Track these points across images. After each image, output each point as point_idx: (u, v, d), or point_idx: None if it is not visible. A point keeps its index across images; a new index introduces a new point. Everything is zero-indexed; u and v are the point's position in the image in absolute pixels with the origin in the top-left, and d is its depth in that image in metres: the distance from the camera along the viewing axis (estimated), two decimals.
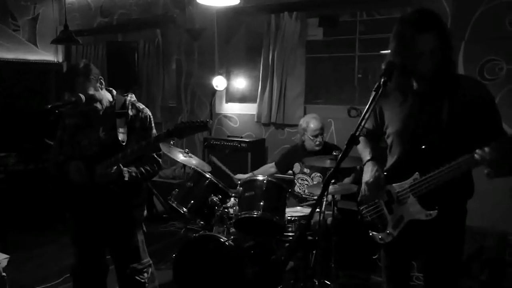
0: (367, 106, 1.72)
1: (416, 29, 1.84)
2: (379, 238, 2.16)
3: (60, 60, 6.69)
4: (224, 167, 3.75)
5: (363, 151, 2.28)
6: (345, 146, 1.63)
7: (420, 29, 1.83)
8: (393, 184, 2.11)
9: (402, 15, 1.99)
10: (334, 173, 1.55)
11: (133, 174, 2.43)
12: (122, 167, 2.36)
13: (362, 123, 1.73)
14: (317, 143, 3.64)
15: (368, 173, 2.16)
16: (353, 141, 1.61)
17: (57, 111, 2.24)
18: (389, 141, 2.19)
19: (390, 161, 2.18)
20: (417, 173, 2.00)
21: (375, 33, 4.60)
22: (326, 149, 3.60)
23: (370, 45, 4.65)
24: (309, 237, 1.89)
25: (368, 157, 2.22)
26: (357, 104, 4.57)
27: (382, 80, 1.76)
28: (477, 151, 1.79)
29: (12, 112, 5.64)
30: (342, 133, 4.49)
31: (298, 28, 4.68)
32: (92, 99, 2.37)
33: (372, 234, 2.20)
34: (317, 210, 3.18)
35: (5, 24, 6.10)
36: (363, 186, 2.18)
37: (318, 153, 3.55)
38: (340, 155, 1.60)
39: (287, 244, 2.92)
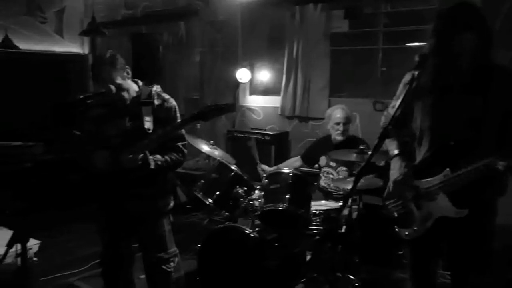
0: (400, 99, 1.69)
1: (455, 28, 1.79)
2: (406, 234, 2.14)
3: (86, 52, 6.78)
4: (256, 154, 3.75)
5: (390, 144, 2.24)
6: (377, 140, 1.60)
7: (459, 28, 1.78)
8: (422, 180, 2.07)
9: (441, 10, 1.93)
10: (366, 167, 1.54)
11: (159, 162, 2.44)
12: (148, 154, 2.38)
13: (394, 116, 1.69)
14: (338, 131, 3.61)
15: (396, 170, 2.13)
16: (385, 134, 1.58)
17: (88, 102, 2.27)
18: (418, 134, 2.16)
19: (419, 155, 2.15)
20: (448, 169, 1.97)
21: (399, 25, 4.52)
22: (351, 142, 3.57)
23: (394, 37, 4.57)
24: (339, 231, 1.89)
25: (396, 151, 2.19)
26: (380, 97, 4.52)
27: (416, 73, 1.73)
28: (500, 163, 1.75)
29: (39, 103, 5.74)
30: (367, 126, 4.44)
31: (322, 20, 4.64)
32: (119, 88, 2.39)
33: (398, 229, 2.17)
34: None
35: (33, 17, 6.20)
36: (390, 183, 2.15)
37: (345, 147, 3.52)
38: (372, 149, 1.58)
39: (317, 237, 2.91)
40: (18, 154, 4.87)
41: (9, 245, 1.82)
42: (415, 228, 2.08)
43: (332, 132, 3.67)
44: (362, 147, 3.00)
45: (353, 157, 3.11)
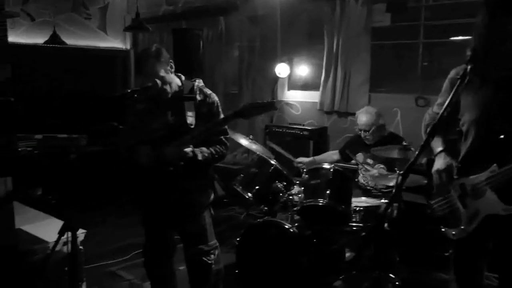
0: (450, 95, 1.64)
1: (507, 17, 1.72)
2: (453, 234, 2.08)
3: (128, 47, 6.93)
4: (283, 151, 3.74)
5: (434, 141, 2.19)
6: (426, 136, 1.57)
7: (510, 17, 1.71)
8: (469, 177, 2.01)
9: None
10: (414, 163, 1.50)
11: (205, 154, 2.47)
12: (193, 147, 2.40)
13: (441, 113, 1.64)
14: (367, 137, 3.57)
15: (440, 162, 2.09)
16: (435, 131, 1.54)
17: (135, 95, 2.32)
18: (464, 129, 2.10)
19: (464, 150, 2.09)
20: (495, 164, 1.90)
21: (441, 19, 4.39)
22: (390, 140, 3.50)
23: (436, 31, 4.45)
24: (386, 228, 1.86)
25: (440, 148, 2.14)
26: (421, 93, 4.41)
27: (469, 67, 1.67)
28: None
29: (84, 97, 5.93)
30: (409, 123, 4.35)
31: (363, 14, 4.56)
32: (163, 81, 2.42)
33: (445, 229, 2.12)
34: (386, 201, 3.14)
35: (78, 13, 6.40)
36: (435, 174, 2.10)
37: (383, 145, 3.46)
38: (421, 145, 1.54)
39: (363, 234, 2.87)
40: (63, 146, 5.04)
41: (61, 232, 1.89)
42: (462, 227, 2.02)
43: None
44: (405, 144, 2.92)
45: (394, 153, 3.04)
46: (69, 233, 1.92)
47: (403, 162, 2.95)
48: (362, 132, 3.58)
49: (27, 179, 4.76)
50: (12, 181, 2.61)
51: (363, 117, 3.56)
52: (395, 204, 3.03)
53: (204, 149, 2.47)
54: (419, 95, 4.34)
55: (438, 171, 2.08)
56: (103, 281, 3.46)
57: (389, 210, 2.96)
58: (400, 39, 4.74)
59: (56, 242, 1.91)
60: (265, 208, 3.30)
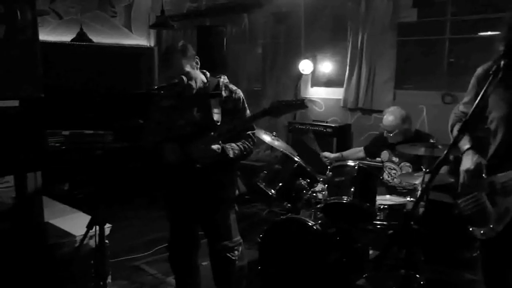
0: (483, 90, 1.59)
1: None
2: (481, 233, 2.03)
3: (152, 44, 7.01)
4: (315, 145, 3.72)
5: (462, 139, 2.14)
6: (456, 133, 1.53)
7: None
8: (498, 174, 1.96)
9: None
10: (444, 160, 1.47)
11: (236, 151, 2.47)
12: (224, 145, 2.40)
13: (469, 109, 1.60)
14: (390, 138, 3.53)
15: (468, 161, 2.04)
16: (466, 128, 1.51)
17: (161, 92, 2.33)
18: (492, 126, 2.04)
19: (494, 148, 2.04)
20: None
21: (469, 14, 4.29)
22: (419, 138, 3.44)
23: (462, 27, 4.35)
24: (414, 226, 1.84)
25: (468, 146, 2.09)
26: (447, 89, 4.32)
27: (502, 62, 1.62)
28: None
29: (109, 93, 6.02)
30: (435, 120, 4.27)
31: (390, 10, 4.50)
32: (188, 76, 2.43)
33: (473, 229, 2.07)
34: (411, 199, 3.10)
35: (104, 11, 6.49)
36: (462, 174, 2.06)
37: (410, 141, 3.41)
38: (451, 142, 1.51)
39: (390, 232, 2.84)
40: (90, 141, 5.13)
41: (89, 226, 1.92)
42: (491, 226, 1.97)
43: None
44: (432, 141, 2.87)
45: (420, 151, 2.99)
46: (97, 227, 1.95)
47: (429, 160, 2.90)
48: (385, 131, 3.54)
49: (54, 174, 4.87)
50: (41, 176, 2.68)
51: (389, 117, 3.51)
52: (422, 203, 2.98)
53: (234, 145, 2.47)
54: (445, 92, 4.26)
55: (466, 170, 2.03)
56: (127, 275, 3.50)
57: (417, 209, 2.92)
58: (427, 35, 4.65)
59: (84, 235, 1.95)
60: (288, 205, 3.29)
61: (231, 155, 2.43)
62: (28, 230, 2.64)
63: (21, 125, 2.40)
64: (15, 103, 2.35)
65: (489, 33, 4.17)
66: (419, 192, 2.81)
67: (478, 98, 1.56)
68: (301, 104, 2.25)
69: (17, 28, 2.28)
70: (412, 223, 1.74)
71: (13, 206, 2.64)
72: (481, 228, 2.02)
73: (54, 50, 5.62)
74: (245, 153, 2.52)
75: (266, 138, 3.63)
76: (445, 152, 1.50)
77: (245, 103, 2.60)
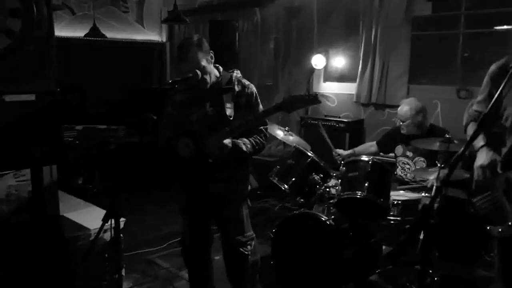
0: (499, 90, 1.56)
1: None
2: (499, 232, 1.99)
3: (164, 40, 7.02)
4: (328, 139, 3.70)
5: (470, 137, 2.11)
6: (476, 128, 1.51)
7: None
8: None
9: None
10: (463, 155, 1.45)
11: (248, 145, 2.47)
12: (237, 140, 2.41)
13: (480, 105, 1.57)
14: (402, 127, 3.49)
15: (482, 158, 2.01)
16: (485, 123, 1.48)
17: (176, 86, 2.33)
18: (508, 123, 2.01)
19: (509, 144, 2.01)
20: None
21: (483, 8, 4.23)
22: (434, 132, 3.41)
23: (476, 21, 4.29)
24: (432, 221, 1.82)
25: (482, 143, 2.06)
26: (461, 84, 4.27)
27: None
28: None
29: (122, 88, 6.05)
30: (449, 115, 4.23)
31: (404, 4, 4.45)
32: (203, 71, 2.43)
33: (490, 228, 2.03)
34: (426, 195, 3.07)
35: (116, 7, 6.52)
36: (477, 170, 2.03)
37: (425, 135, 3.37)
38: (469, 138, 1.49)
39: (407, 226, 2.81)
40: (103, 136, 5.17)
41: (105, 219, 1.93)
42: (510, 223, 1.94)
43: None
44: (448, 136, 2.84)
45: (435, 146, 2.96)
46: (112, 221, 1.97)
47: (444, 155, 2.87)
48: (398, 121, 3.51)
49: (68, 168, 4.91)
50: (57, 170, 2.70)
51: (403, 107, 3.48)
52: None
53: (246, 140, 2.47)
54: (460, 87, 4.21)
55: (481, 166, 2.00)
56: (141, 269, 3.53)
57: (435, 203, 2.89)
58: (442, 29, 4.60)
59: (100, 228, 1.96)
60: (301, 200, 3.28)
61: (245, 149, 2.43)
62: (46, 223, 2.66)
63: (37, 119, 2.42)
64: (31, 97, 2.37)
65: (504, 27, 4.10)
66: (434, 188, 2.77)
67: (494, 98, 1.54)
68: (314, 99, 2.23)
69: (33, 24, 2.30)
70: (430, 218, 1.73)
71: (30, 200, 2.66)
72: (499, 226, 1.99)
73: (67, 46, 5.65)
74: (257, 148, 2.52)
75: (279, 133, 3.62)
76: (462, 148, 1.48)
77: (258, 98, 2.60)
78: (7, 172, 2.58)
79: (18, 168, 2.58)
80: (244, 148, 2.43)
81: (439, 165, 2.92)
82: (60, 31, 5.88)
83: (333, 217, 2.96)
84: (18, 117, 2.35)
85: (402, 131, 3.52)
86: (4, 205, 2.64)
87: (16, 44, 2.29)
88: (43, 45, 2.37)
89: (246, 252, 2.63)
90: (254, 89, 2.59)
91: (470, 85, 4.18)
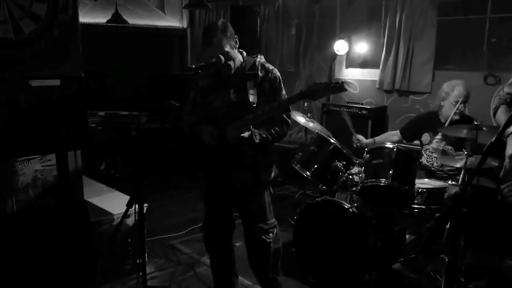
0: None
1: None
2: None
3: (185, 26, 7.00)
4: (350, 123, 3.65)
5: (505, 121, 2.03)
6: (502, 116, 1.45)
7: None
8: None
9: None
10: (496, 142, 1.40)
11: (264, 135, 2.44)
12: (253, 129, 2.39)
13: None
14: (457, 111, 3.36)
15: None
16: None
17: (199, 71, 2.31)
18: None
19: None
20: None
21: None
22: (464, 121, 3.31)
23: (505, 6, 4.15)
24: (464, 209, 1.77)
25: None
26: (489, 70, 4.14)
27: None
28: None
29: (144, 75, 6.07)
30: (476, 102, 4.10)
31: None
32: (227, 56, 2.40)
33: None
34: (452, 183, 3.00)
35: None
36: (507, 160, 1.96)
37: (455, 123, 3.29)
38: (505, 123, 1.43)
39: (437, 214, 2.75)
40: (125, 122, 5.21)
41: (129, 205, 1.94)
42: None
43: (448, 111, 3.40)
44: (477, 123, 2.75)
45: (463, 133, 2.88)
46: (136, 206, 1.97)
47: (472, 143, 2.79)
48: (461, 105, 3.35)
49: (91, 154, 4.97)
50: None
51: (461, 89, 3.35)
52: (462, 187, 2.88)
53: (263, 130, 2.44)
54: (488, 73, 4.09)
55: (511, 157, 1.93)
56: (163, 254, 3.56)
57: (447, 193, 2.83)
58: (469, 14, 4.46)
59: (125, 213, 1.97)
60: (323, 187, 3.25)
61: (257, 141, 2.39)
62: (71, 207, 2.70)
63: (63, 104, 2.43)
64: (57, 82, 2.38)
65: None
66: (461, 175, 2.70)
67: None
68: (340, 86, 2.17)
69: (58, 8, 2.30)
70: (461, 206, 1.68)
71: (55, 184, 2.70)
72: None
73: (90, 32, 5.68)
74: (276, 136, 2.49)
75: (301, 119, 3.58)
76: (497, 132, 1.42)
77: (281, 83, 2.55)
78: (33, 157, 2.62)
79: (45, 153, 2.62)
80: (257, 139, 2.39)
81: (465, 152, 2.85)
82: (83, 17, 5.89)
83: (356, 204, 2.92)
84: (43, 102, 2.37)
85: (456, 117, 3.37)
86: (30, 189, 2.69)
87: (41, 29, 2.29)
88: (68, 29, 2.38)
89: (268, 240, 2.61)
90: (277, 73, 2.55)
91: (497, 71, 4.07)
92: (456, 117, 3.36)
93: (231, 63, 2.43)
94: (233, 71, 2.46)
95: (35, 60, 2.31)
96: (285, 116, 2.52)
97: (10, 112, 2.26)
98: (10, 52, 2.23)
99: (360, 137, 3.66)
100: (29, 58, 2.29)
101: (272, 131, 2.48)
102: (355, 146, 3.57)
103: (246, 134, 2.36)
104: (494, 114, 2.25)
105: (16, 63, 2.27)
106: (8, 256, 2.51)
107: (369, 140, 3.70)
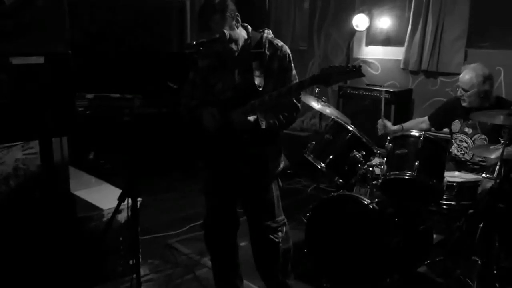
0: None
1: None
2: None
3: None
4: (383, 106, 3.68)
5: None
6: None
7: None
8: None
9: None
10: None
11: (271, 121, 2.44)
12: (258, 114, 2.38)
13: None
14: (463, 98, 3.38)
15: None
16: None
17: (201, 48, 2.29)
18: None
19: None
20: None
21: None
22: (501, 106, 3.28)
23: None
24: (501, 205, 1.76)
25: None
26: None
27: None
28: None
29: (136, 53, 6.05)
30: None
31: None
32: (230, 39, 2.37)
33: None
34: (487, 176, 2.99)
35: None
36: None
37: (488, 109, 3.26)
38: None
39: (469, 211, 2.76)
40: (116, 106, 5.20)
41: (121, 199, 1.95)
42: None
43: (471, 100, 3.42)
44: None
45: (498, 119, 2.86)
46: (129, 200, 1.98)
47: (510, 130, 2.77)
48: (460, 90, 3.40)
49: (79, 141, 4.98)
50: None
51: (466, 74, 3.38)
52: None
53: (271, 115, 2.44)
54: None
55: None
56: (159, 254, 3.58)
57: (480, 188, 2.82)
58: None
59: (116, 208, 1.98)
60: (340, 180, 3.25)
61: (263, 127, 2.39)
62: (57, 201, 2.71)
63: (48, 84, 2.42)
64: (40, 59, 2.37)
65: None
66: (497, 167, 2.69)
67: None
68: (357, 71, 2.16)
69: None
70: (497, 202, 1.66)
71: (38, 175, 2.70)
72: None
73: (78, 3, 5.66)
74: (284, 122, 2.49)
75: (315, 104, 3.57)
76: None
77: (292, 61, 2.53)
78: (14, 144, 2.62)
79: (27, 140, 2.61)
80: (263, 125, 2.39)
81: (502, 141, 2.83)
82: None
83: (376, 200, 2.92)
84: (26, 82, 2.36)
85: (463, 103, 3.41)
86: (11, 180, 2.70)
87: None
88: (54, 2, 2.36)
89: (276, 240, 2.61)
90: (288, 50, 2.52)
91: None
92: (464, 104, 3.39)
93: (233, 45, 2.41)
94: (236, 54, 2.45)
95: (17, 35, 2.30)
96: (295, 101, 2.51)
97: None
98: None
99: (388, 123, 3.64)
100: (10, 33, 2.28)
101: (281, 116, 2.47)
102: (380, 133, 3.56)
103: (251, 118, 2.35)
104: None
105: None
106: None
107: (397, 127, 3.70)
